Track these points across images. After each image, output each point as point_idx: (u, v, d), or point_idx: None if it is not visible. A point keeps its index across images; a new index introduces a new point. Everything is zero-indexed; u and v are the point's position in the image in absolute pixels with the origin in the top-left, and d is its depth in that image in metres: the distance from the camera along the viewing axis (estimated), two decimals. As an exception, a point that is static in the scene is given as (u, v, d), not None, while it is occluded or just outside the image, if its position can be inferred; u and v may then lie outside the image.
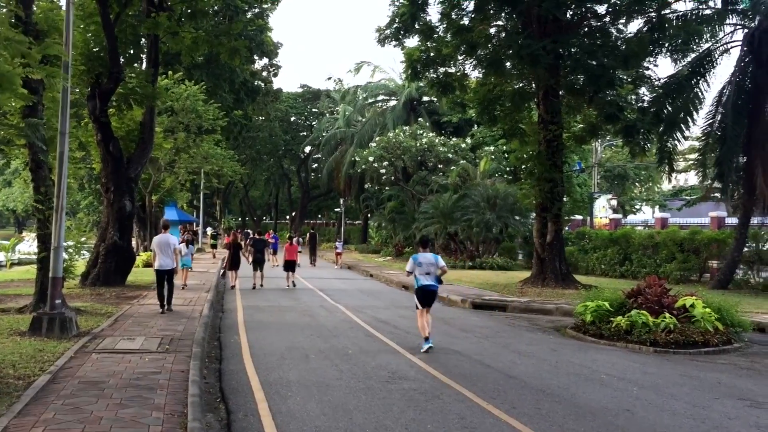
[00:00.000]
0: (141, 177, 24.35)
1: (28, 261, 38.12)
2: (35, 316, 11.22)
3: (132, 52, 23.35)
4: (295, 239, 26.99)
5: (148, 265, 28.00)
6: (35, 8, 13.67)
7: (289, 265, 22.85)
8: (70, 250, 17.35)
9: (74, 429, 6.09)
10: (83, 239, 18.99)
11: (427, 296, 11.72)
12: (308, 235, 39.48)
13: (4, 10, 11.99)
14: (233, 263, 21.90)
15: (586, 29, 22.56)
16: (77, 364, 8.83)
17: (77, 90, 19.40)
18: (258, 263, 22.30)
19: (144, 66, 23.49)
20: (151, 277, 22.11)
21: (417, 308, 11.79)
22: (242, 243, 23.85)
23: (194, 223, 51.31)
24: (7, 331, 11.04)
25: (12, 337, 10.62)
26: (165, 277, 14.56)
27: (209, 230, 57.22)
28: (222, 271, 24.15)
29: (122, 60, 20.15)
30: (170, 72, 32.03)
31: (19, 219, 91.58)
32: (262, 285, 22.12)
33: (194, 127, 34.27)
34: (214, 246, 43.20)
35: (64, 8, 12.83)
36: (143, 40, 23.01)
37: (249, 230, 51.26)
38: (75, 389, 7.53)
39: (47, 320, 10.97)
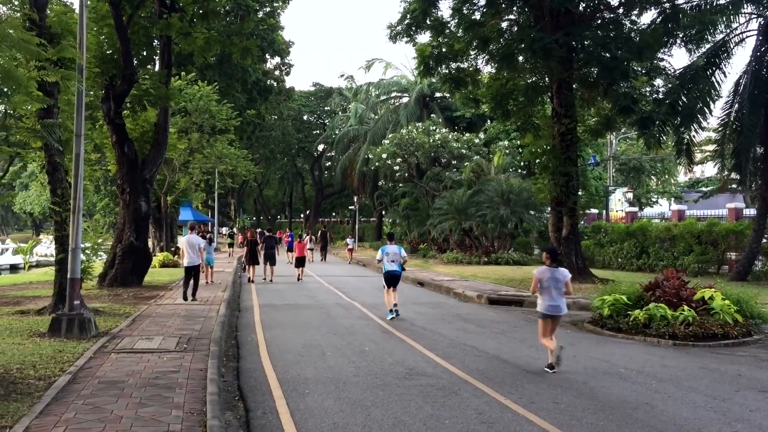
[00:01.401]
0: (156, 178, 24.49)
1: (46, 263, 38.57)
2: (54, 317, 11.31)
3: (145, 53, 23.48)
4: (307, 237, 28.18)
5: (164, 265, 28.38)
6: (49, 12, 13.77)
7: (299, 261, 25.57)
8: (88, 252, 17.50)
9: (95, 428, 6.13)
10: (100, 240, 19.14)
11: (391, 278, 14.93)
12: (319, 233, 42.68)
13: (18, 14, 12.08)
14: (251, 258, 23.87)
15: (599, 21, 22.37)
16: (97, 364, 8.89)
17: (91, 92, 19.53)
18: (269, 258, 24.16)
19: (157, 67, 23.62)
20: (167, 277, 22.86)
21: (384, 288, 15.15)
22: (258, 240, 25.78)
23: (208, 223, 51.67)
24: (26, 333, 11.15)
25: (32, 338, 10.71)
26: (192, 271, 16.61)
27: (224, 230, 57.69)
28: (243, 266, 26.36)
29: (135, 62, 20.24)
30: (183, 73, 32.19)
31: (36, 221, 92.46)
32: (272, 279, 23.99)
33: (208, 128, 34.46)
34: (230, 245, 44.23)
35: (77, 11, 12.90)
36: (156, 41, 23.12)
37: (263, 230, 51.85)
38: (95, 389, 7.58)
39: (66, 321, 11.06)
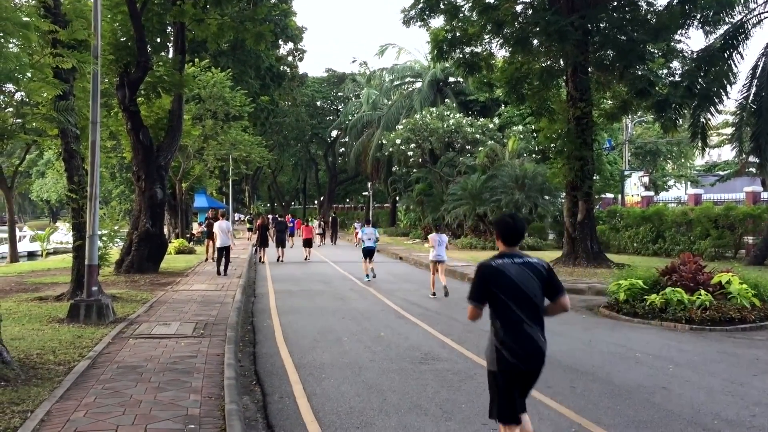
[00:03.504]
0: (171, 165, 24.61)
1: (63, 250, 38.91)
2: (73, 304, 11.42)
3: (159, 40, 23.49)
4: (317, 222, 36.49)
5: (180, 252, 28.64)
6: (63, -1, 13.78)
7: (307, 243, 29.16)
8: (104, 239, 17.59)
9: (115, 412, 6.20)
10: (116, 227, 19.26)
11: (368, 251, 19.70)
12: (330, 219, 47.47)
13: (33, 1, 12.11)
14: (262, 242, 26.78)
15: (615, 3, 22.13)
16: (115, 350, 8.98)
17: (106, 80, 19.58)
18: (280, 241, 27.83)
19: (171, 54, 23.65)
20: (183, 263, 23.25)
21: (363, 259, 19.87)
22: (269, 225, 28.80)
23: (221, 210, 52.18)
24: (46, 319, 11.28)
25: (51, 324, 10.83)
26: (223, 251, 19.81)
27: (239, 216, 58.08)
28: (255, 248, 29.02)
29: (149, 48, 20.27)
30: (197, 59, 32.21)
31: (53, 209, 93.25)
32: (282, 259, 27.06)
33: (222, 114, 34.53)
34: (250, 230, 45.23)
35: (91, -2, 12.91)
36: (169, 28, 23.13)
37: (275, 216, 52.87)
38: (114, 374, 7.66)
39: (84, 307, 11.17)
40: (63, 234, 45.35)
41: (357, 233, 40.91)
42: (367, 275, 19.75)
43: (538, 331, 4.62)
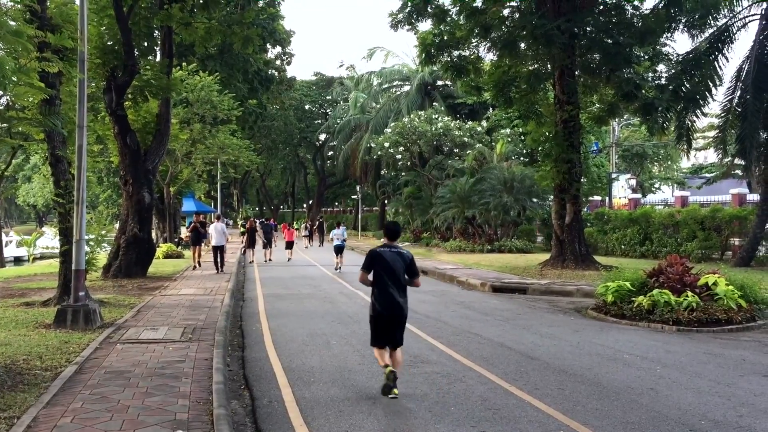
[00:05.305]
0: (159, 169, 24.50)
1: (50, 255, 38.64)
2: (60, 309, 11.34)
3: (146, 44, 23.37)
4: (303, 225, 40.46)
5: (168, 256, 28.56)
6: (49, 3, 13.71)
7: (289, 245, 31.53)
8: (92, 243, 17.50)
9: (102, 418, 6.17)
10: (104, 232, 19.14)
11: (338, 248, 24.11)
12: (317, 223, 49.56)
13: (19, 5, 12.04)
14: (251, 243, 28.69)
15: (601, 7, 22.26)
16: (103, 355, 8.93)
17: (93, 84, 19.47)
18: (267, 243, 30.12)
19: (158, 58, 23.55)
20: (171, 268, 23.22)
21: (335, 254, 24.19)
22: (257, 228, 30.51)
23: (207, 214, 51.97)
24: (32, 324, 11.19)
25: (38, 329, 10.75)
26: (219, 250, 22.36)
27: (226, 220, 58.22)
28: (243, 250, 31.13)
29: (136, 52, 20.16)
30: (184, 63, 32.11)
31: (39, 214, 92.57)
32: (270, 259, 29.34)
33: (210, 118, 34.44)
34: (243, 233, 45.53)
35: (77, 2, 12.85)
36: (156, 32, 23.03)
37: (262, 219, 53.31)
38: (101, 379, 7.61)
39: (71, 312, 11.09)
40: (50, 239, 45.05)
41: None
42: (336, 267, 23.89)
43: (397, 293, 7.61)
